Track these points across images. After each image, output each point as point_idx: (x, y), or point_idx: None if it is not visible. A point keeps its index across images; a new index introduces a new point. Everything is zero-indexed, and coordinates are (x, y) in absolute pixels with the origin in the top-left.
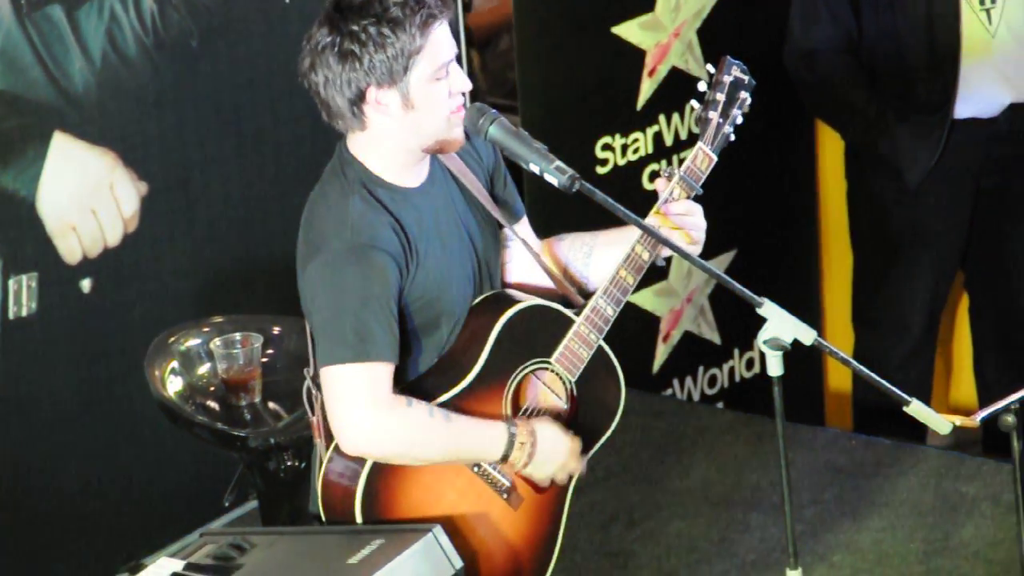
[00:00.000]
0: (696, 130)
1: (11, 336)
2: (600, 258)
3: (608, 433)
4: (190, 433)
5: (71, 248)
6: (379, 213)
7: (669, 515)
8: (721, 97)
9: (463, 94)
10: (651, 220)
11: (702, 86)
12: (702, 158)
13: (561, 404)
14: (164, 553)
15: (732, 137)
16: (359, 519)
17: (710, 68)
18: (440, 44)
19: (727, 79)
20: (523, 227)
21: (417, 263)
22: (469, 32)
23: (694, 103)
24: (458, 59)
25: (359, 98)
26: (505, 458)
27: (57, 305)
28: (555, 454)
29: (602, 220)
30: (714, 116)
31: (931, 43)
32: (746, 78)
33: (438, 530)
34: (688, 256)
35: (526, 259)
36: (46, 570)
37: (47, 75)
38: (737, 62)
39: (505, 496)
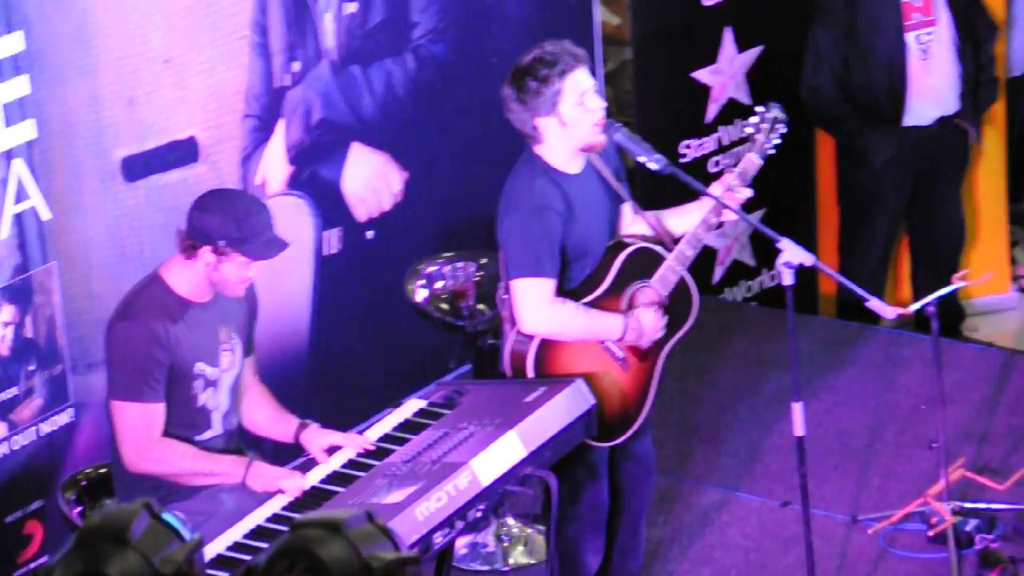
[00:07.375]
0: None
1: (326, 266)
2: (677, 220)
3: (686, 327)
4: (430, 324)
5: (360, 212)
6: (553, 187)
7: (722, 369)
8: (766, 126)
9: (601, 110)
10: (715, 189)
11: (754, 119)
12: (752, 163)
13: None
14: (413, 396)
15: (772, 151)
16: (530, 375)
17: (759, 108)
18: (576, 82)
19: (770, 115)
20: (630, 203)
21: (573, 219)
22: (606, 77)
23: (747, 128)
24: (599, 91)
25: (533, 124)
26: (621, 338)
27: (352, 246)
28: (653, 329)
29: (681, 197)
30: (760, 138)
31: (890, 81)
32: (783, 116)
33: (580, 381)
34: (738, 212)
35: (632, 221)
36: (348, 405)
37: (349, 108)
38: (778, 105)
39: (620, 363)
